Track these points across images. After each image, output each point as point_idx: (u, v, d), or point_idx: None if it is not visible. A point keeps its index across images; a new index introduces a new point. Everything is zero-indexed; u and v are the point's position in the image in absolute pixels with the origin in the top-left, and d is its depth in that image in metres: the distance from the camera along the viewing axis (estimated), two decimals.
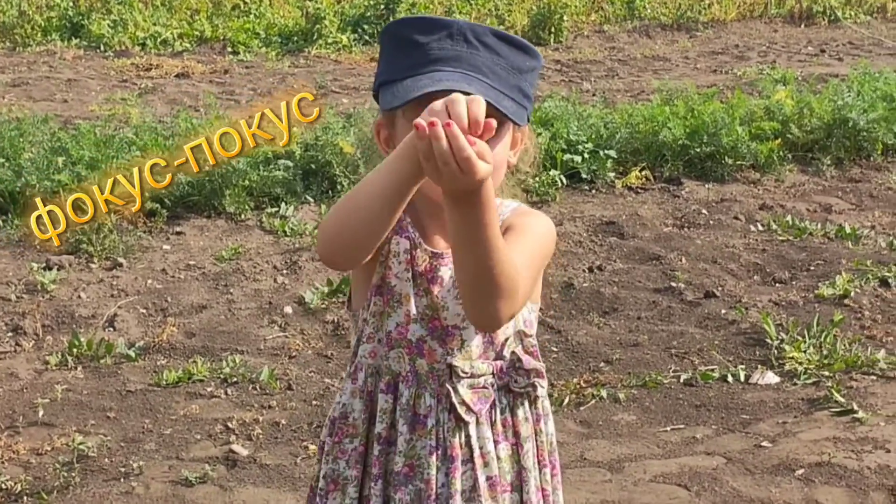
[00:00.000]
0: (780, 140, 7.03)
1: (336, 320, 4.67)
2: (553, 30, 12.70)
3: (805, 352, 4.35)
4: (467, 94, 1.58)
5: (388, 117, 1.79)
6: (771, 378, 4.21)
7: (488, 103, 1.63)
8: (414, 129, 1.44)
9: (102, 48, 11.35)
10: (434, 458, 1.81)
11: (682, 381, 4.23)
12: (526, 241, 1.77)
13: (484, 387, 1.84)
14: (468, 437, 1.83)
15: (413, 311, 1.81)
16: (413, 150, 1.48)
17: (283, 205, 5.95)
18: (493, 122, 1.45)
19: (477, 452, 1.83)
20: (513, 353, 1.87)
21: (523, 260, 1.69)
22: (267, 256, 5.37)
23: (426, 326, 1.82)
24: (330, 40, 11.95)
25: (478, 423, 1.84)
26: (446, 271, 1.81)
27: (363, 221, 1.59)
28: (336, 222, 1.63)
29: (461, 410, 1.81)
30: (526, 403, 1.90)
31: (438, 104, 1.45)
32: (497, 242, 1.55)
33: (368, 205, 1.57)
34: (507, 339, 1.86)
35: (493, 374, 1.86)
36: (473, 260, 1.56)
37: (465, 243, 1.56)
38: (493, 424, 1.86)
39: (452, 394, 1.81)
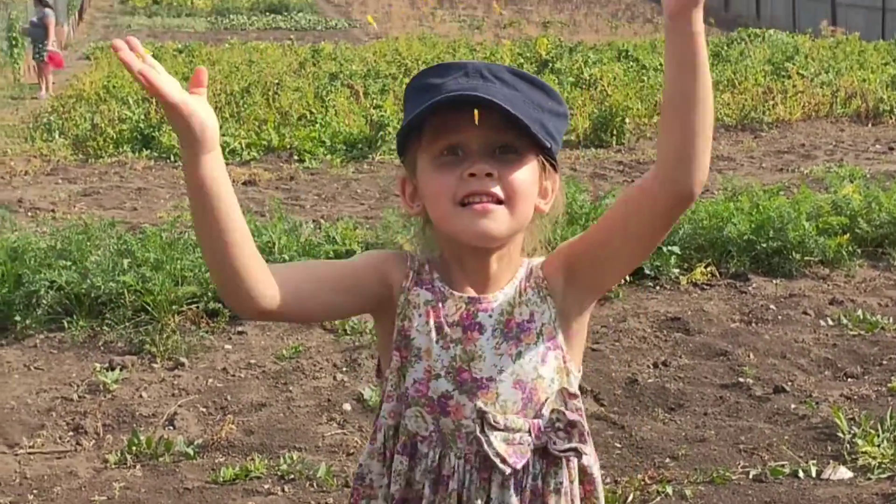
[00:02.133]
0: (848, 235, 6.93)
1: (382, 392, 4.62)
2: (615, 132, 12.77)
3: (879, 446, 4.20)
4: (484, 100, 1.60)
5: (410, 167, 1.77)
6: (843, 473, 4.06)
7: (505, 127, 1.63)
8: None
9: (172, 158, 11.65)
10: None
11: (751, 476, 4.10)
12: (600, 220, 1.73)
13: (520, 443, 1.70)
14: (490, 499, 1.70)
15: (435, 366, 1.72)
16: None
17: None
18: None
19: None
20: (554, 410, 1.73)
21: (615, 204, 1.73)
22: (327, 354, 5.38)
23: (453, 380, 1.71)
24: (393, 146, 12.12)
25: (503, 485, 1.70)
26: (486, 318, 1.74)
27: (213, 245, 1.62)
28: (209, 265, 1.66)
29: (496, 461, 1.68)
30: (563, 473, 1.74)
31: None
32: (706, 79, 1.61)
33: (201, 226, 1.62)
34: (548, 399, 1.74)
35: (529, 431, 1.71)
36: (703, 87, 1.60)
37: (689, 68, 1.59)
38: (521, 490, 1.71)
39: (485, 444, 1.68)
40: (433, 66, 1.77)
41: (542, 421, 1.73)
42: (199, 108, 1.57)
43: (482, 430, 1.69)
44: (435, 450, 1.73)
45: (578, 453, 1.74)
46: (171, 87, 1.54)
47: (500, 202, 1.67)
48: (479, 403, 1.70)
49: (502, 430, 1.70)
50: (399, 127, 1.80)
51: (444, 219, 1.70)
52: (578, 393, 1.78)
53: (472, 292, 1.76)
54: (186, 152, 1.58)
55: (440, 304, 1.74)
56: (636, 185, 1.67)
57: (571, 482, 1.75)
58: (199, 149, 1.58)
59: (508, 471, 1.69)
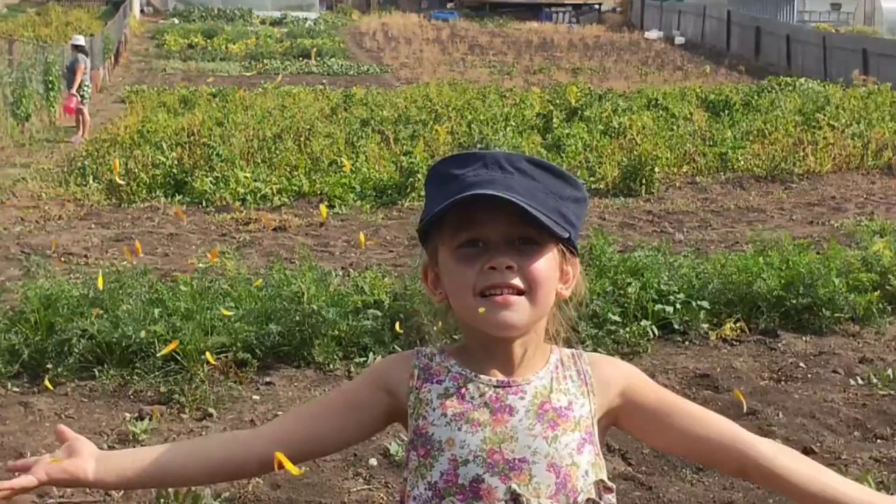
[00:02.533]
0: (878, 292, 6.89)
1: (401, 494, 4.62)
2: (644, 181, 12.80)
3: None
4: (499, 197, 1.63)
5: (432, 257, 1.79)
6: None
7: (524, 220, 1.65)
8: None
9: (204, 203, 11.77)
10: None
11: None
12: (688, 407, 1.83)
13: None
14: None
15: (459, 454, 1.70)
16: None
17: (370, 354, 6.00)
18: None
19: None
20: (590, 499, 1.73)
21: (716, 417, 1.82)
22: None
23: (483, 463, 1.69)
24: (423, 193, 12.15)
25: None
26: (518, 401, 1.73)
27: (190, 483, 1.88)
28: None
29: None
30: None
31: None
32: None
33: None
34: (582, 489, 1.73)
35: None
36: None
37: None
38: None
39: None
40: (453, 156, 1.79)
41: None
42: (72, 466, 1.79)
43: None
44: None
45: None
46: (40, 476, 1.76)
47: (520, 293, 1.69)
48: (513, 485, 1.69)
49: None
50: (421, 212, 1.83)
51: (466, 311, 1.72)
52: (613, 487, 1.78)
53: (499, 375, 1.76)
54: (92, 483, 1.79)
55: (462, 390, 1.74)
56: (747, 446, 1.79)
57: None
58: (95, 477, 1.79)
59: None
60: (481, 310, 1.69)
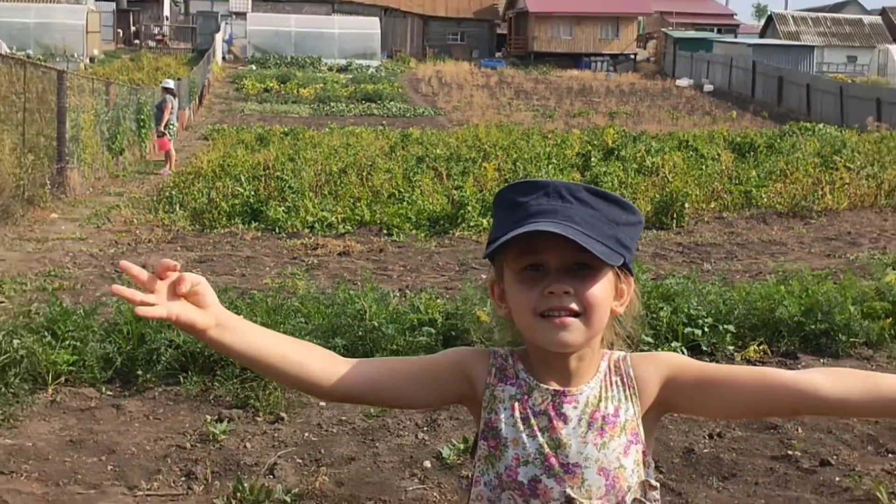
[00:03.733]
0: (891, 319, 6.80)
1: (471, 475, 4.63)
2: (675, 216, 12.74)
3: None
4: (555, 234, 1.63)
5: (499, 273, 1.80)
6: None
7: (581, 247, 1.65)
8: None
9: (277, 230, 11.90)
10: None
11: None
12: (728, 370, 1.79)
13: None
14: None
15: (521, 453, 1.73)
16: None
17: None
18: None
19: None
20: (636, 500, 1.74)
21: (754, 369, 1.78)
22: (409, 414, 5.41)
23: (541, 465, 1.72)
24: (472, 223, 12.25)
25: None
26: (571, 409, 1.75)
27: (270, 375, 1.78)
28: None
29: None
30: None
31: None
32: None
33: (252, 367, 1.78)
34: (630, 488, 1.74)
35: None
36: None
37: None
38: None
39: None
40: (519, 183, 1.80)
41: None
42: (195, 313, 1.68)
43: None
44: None
45: None
46: (177, 312, 1.66)
47: (576, 314, 1.70)
48: (567, 489, 1.71)
49: None
50: (489, 233, 1.85)
51: (527, 329, 1.74)
52: (658, 485, 1.79)
53: (556, 385, 1.77)
54: (205, 336, 1.71)
55: (526, 396, 1.77)
56: (798, 383, 1.72)
57: None
58: (214, 330, 1.71)
59: None
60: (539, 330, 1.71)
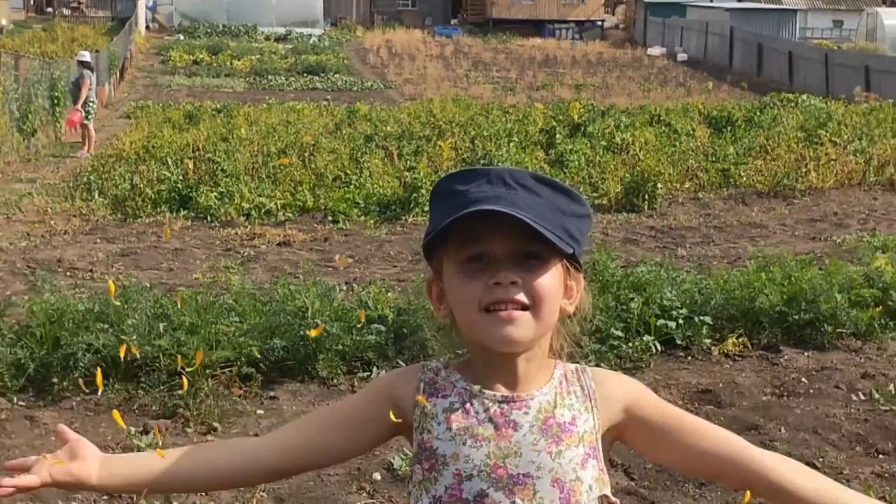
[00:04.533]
0: (881, 308, 6.90)
1: None
2: (647, 197, 12.82)
3: None
4: (504, 213, 1.64)
5: (437, 271, 1.79)
6: None
7: (529, 235, 1.66)
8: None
9: (209, 219, 11.81)
10: None
11: None
12: (693, 422, 1.83)
13: None
14: None
15: (464, 468, 1.71)
16: None
17: (374, 369, 6.01)
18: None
19: None
20: None
21: (720, 431, 1.82)
22: None
23: (487, 478, 1.70)
24: (426, 208, 12.20)
25: None
26: (522, 416, 1.74)
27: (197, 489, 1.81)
28: None
29: None
30: None
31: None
32: None
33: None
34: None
35: None
36: None
37: None
38: None
39: None
40: (458, 172, 1.80)
41: None
42: (76, 468, 1.79)
43: None
44: None
45: None
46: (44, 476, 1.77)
47: (524, 308, 1.70)
48: (517, 501, 1.69)
49: None
50: (426, 227, 1.84)
51: (471, 325, 1.73)
52: (617, 502, 1.79)
53: (503, 391, 1.76)
54: (91, 486, 1.80)
55: (467, 405, 1.75)
56: (753, 460, 1.78)
57: None
58: (98, 482, 1.80)
59: None
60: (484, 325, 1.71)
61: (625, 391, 1.82)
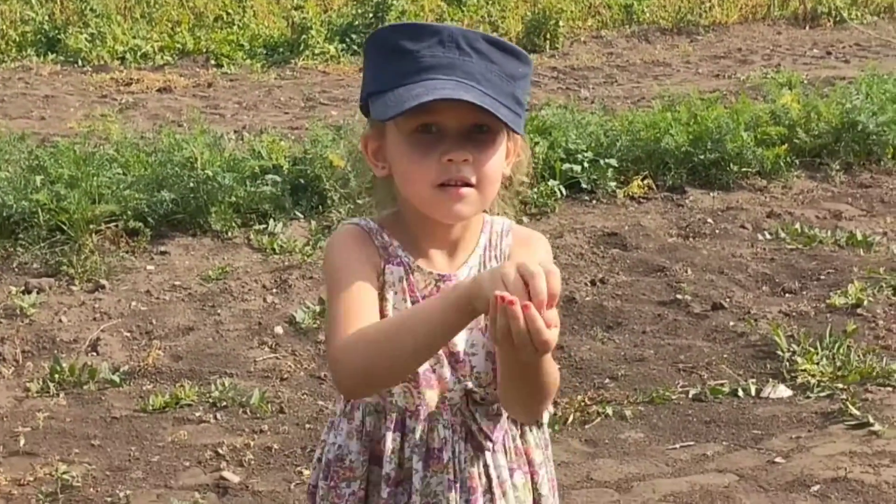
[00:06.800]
0: (786, 146, 7.05)
1: None
2: (548, 36, 12.76)
3: (818, 364, 4.36)
4: (464, 101, 1.64)
5: (377, 129, 1.79)
6: (783, 392, 4.22)
7: (483, 112, 1.66)
8: (492, 300, 1.44)
9: (80, 63, 11.39)
10: (453, 492, 1.79)
11: (690, 396, 4.24)
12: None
13: (497, 414, 1.82)
14: (486, 466, 1.81)
15: None
16: (469, 302, 1.50)
17: (271, 221, 5.95)
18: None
19: (496, 481, 1.81)
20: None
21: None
22: (255, 275, 5.37)
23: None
24: (317, 51, 11.99)
25: (493, 450, 1.82)
26: None
27: (403, 364, 1.61)
28: (368, 362, 1.61)
29: (480, 437, 1.79)
30: (534, 429, 1.89)
31: (512, 274, 1.44)
32: (550, 373, 1.64)
33: (412, 350, 1.58)
34: None
35: None
36: (527, 389, 1.66)
37: (519, 379, 1.65)
38: (506, 452, 1.84)
39: (471, 421, 1.79)
40: (404, 25, 1.77)
41: None
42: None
43: (467, 406, 1.79)
44: (422, 423, 1.79)
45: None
46: None
47: (471, 185, 1.73)
48: (461, 377, 1.79)
49: (484, 404, 1.80)
50: (361, 83, 1.81)
51: (420, 200, 1.75)
52: None
53: (437, 264, 1.81)
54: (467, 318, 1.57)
55: (410, 277, 1.79)
56: None
57: (543, 434, 1.92)
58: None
59: (491, 445, 1.81)
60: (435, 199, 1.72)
61: (536, 256, 1.84)
